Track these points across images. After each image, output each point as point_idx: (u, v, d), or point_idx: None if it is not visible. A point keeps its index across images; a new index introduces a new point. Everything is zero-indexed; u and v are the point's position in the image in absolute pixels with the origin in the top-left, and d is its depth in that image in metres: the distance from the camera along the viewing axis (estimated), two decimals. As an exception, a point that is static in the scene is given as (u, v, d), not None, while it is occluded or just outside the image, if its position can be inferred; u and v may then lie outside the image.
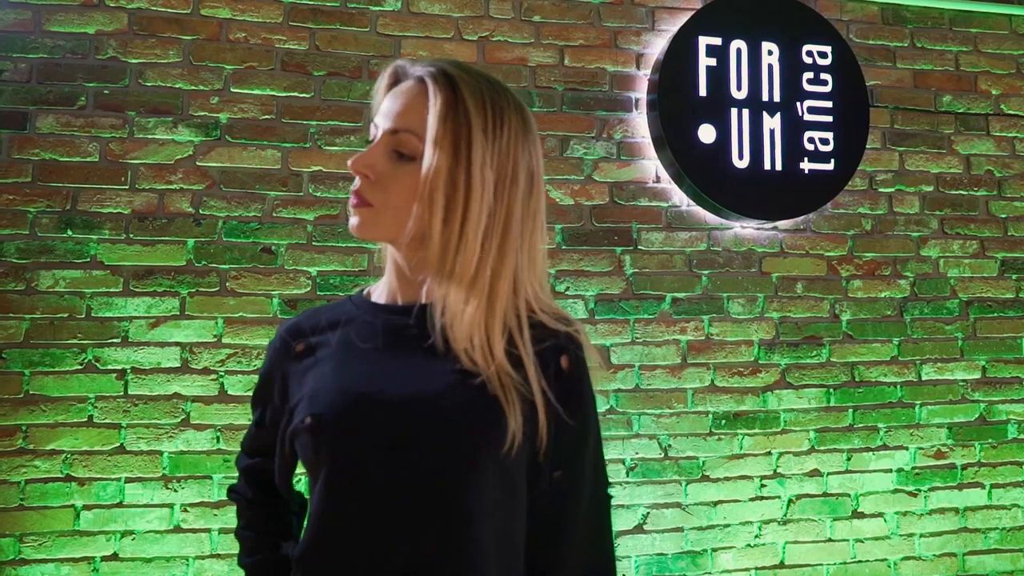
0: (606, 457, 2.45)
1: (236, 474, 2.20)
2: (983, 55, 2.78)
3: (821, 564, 2.52)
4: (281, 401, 0.91)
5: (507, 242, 0.85)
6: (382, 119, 0.88)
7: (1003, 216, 2.74)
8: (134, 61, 2.22)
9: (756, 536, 2.49)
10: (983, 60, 2.78)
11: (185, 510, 2.16)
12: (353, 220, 0.87)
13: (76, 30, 2.20)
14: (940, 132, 2.72)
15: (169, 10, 2.25)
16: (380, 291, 0.94)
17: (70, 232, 2.16)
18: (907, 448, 2.61)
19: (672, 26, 2.50)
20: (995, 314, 2.71)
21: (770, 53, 2.47)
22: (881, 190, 2.67)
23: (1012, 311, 2.72)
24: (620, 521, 2.39)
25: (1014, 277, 2.73)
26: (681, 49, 2.42)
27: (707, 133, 2.42)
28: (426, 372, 0.83)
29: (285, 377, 0.91)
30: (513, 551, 0.84)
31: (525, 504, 0.85)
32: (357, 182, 0.86)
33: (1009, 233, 2.74)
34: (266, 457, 0.96)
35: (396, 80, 0.90)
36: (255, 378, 2.19)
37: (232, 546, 2.16)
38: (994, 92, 2.78)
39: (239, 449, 1.09)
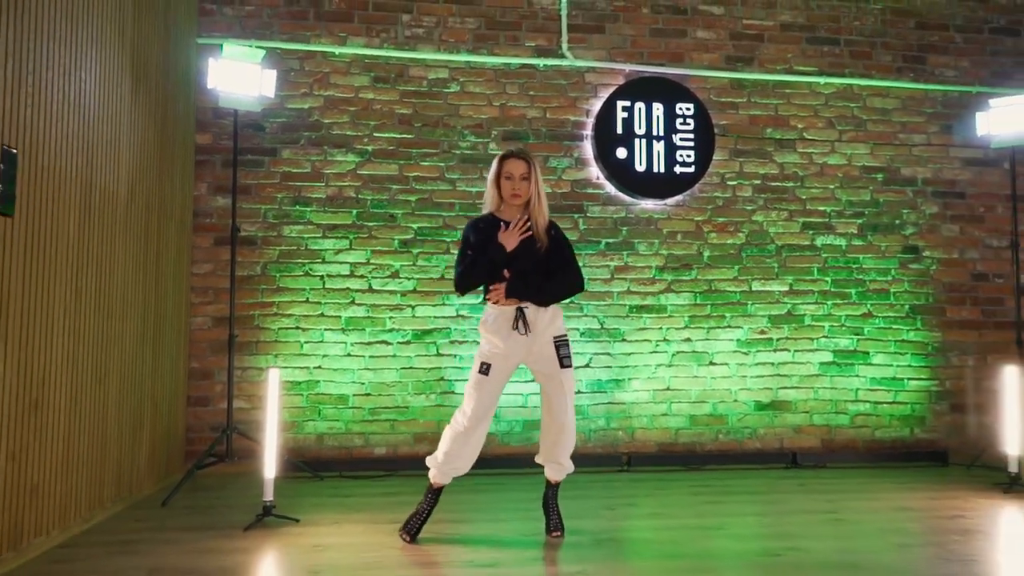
0: (571, 327, 4.87)
1: (376, 329, 4.32)
2: (793, 105, 4.81)
3: (691, 389, 4.55)
4: (476, 243, 2.90)
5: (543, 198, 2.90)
6: (515, 170, 2.79)
7: (803, 197, 4.75)
8: (326, 121, 4.40)
9: (653, 372, 4.53)
10: (793, 108, 4.80)
11: (353, 346, 4.30)
12: (518, 200, 2.79)
13: (298, 106, 4.39)
14: (764, 150, 4.75)
15: (342, 95, 4.43)
16: (500, 214, 2.86)
17: (297, 207, 4.34)
18: (742, 327, 4.63)
19: (605, 95, 4.59)
20: (797, 254, 4.72)
21: (658, 108, 4.55)
22: (729, 183, 4.70)
23: (808, 252, 4.72)
24: (576, 361, 4.46)
25: (810, 232, 4.73)
26: (608, 107, 4.52)
27: (622, 153, 4.50)
28: (525, 242, 2.79)
29: (475, 236, 2.90)
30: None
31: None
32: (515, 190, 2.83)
33: (807, 208, 4.75)
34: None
35: (510, 156, 2.83)
36: (388, 281, 4.37)
37: (374, 364, 4.30)
38: (799, 127, 4.80)
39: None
